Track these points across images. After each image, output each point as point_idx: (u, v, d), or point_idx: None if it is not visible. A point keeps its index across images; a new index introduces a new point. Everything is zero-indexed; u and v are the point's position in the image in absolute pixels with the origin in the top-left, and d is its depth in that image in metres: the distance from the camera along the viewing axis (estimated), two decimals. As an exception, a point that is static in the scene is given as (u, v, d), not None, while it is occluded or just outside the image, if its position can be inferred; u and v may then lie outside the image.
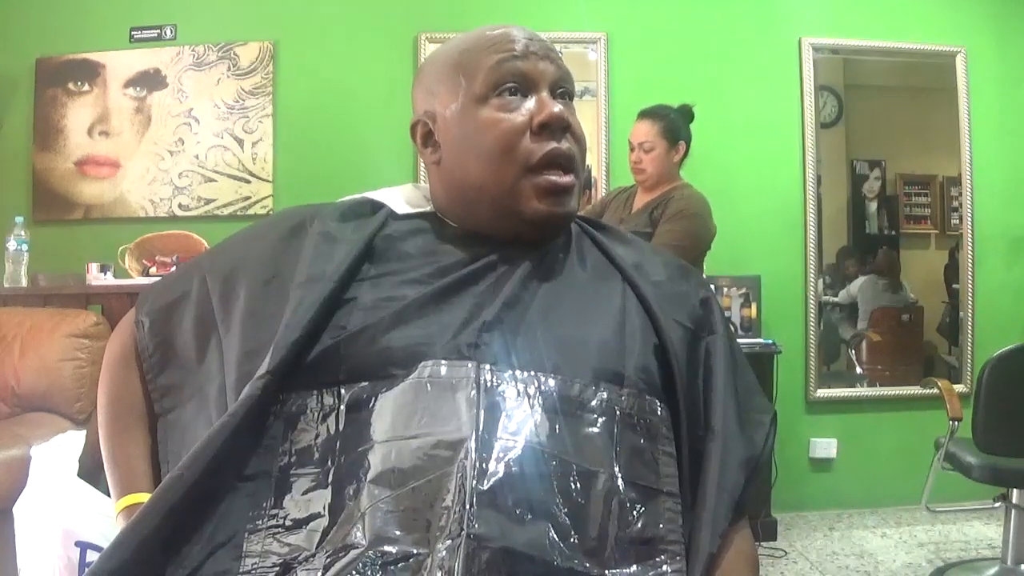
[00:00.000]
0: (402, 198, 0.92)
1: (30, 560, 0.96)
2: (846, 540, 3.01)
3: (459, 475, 0.65)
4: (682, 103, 2.51)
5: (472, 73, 0.83)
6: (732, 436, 0.80)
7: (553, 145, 0.81)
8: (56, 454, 0.99)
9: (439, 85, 0.86)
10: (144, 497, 0.77)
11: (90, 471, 0.94)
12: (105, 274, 2.69)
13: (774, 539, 2.97)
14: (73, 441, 1.01)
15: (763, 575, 2.64)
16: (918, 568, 2.72)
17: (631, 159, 2.50)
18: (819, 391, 3.36)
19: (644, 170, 2.46)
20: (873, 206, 3.52)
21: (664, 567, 0.70)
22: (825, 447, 3.34)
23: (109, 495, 0.84)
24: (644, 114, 2.50)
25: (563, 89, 0.85)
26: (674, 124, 2.45)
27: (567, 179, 0.82)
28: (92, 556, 0.90)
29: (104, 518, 0.89)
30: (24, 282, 2.63)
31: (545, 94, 0.82)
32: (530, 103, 0.82)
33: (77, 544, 0.90)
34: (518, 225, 0.83)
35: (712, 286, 2.40)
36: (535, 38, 0.85)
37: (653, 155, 2.43)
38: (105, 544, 0.75)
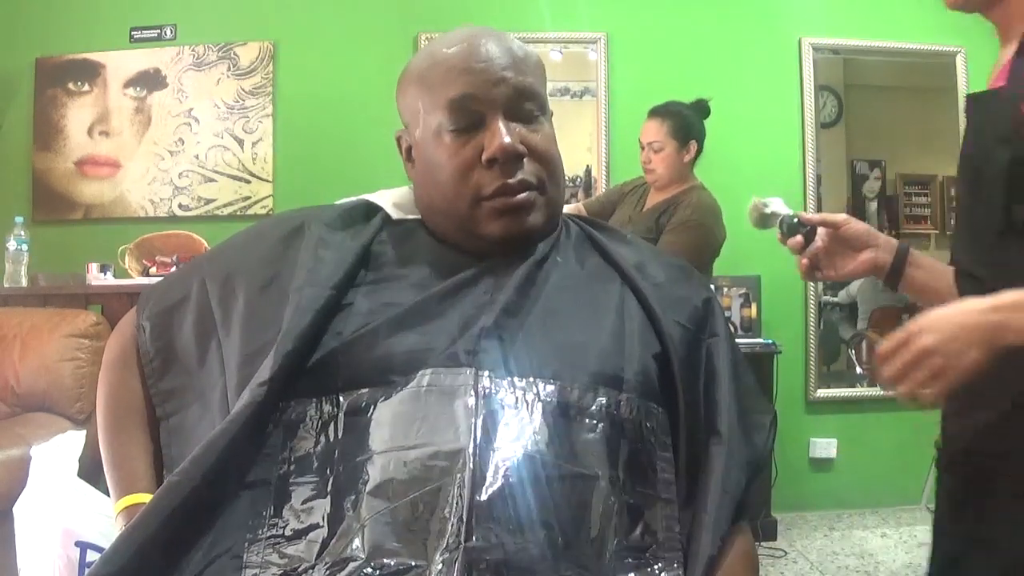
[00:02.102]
0: (399, 201, 0.92)
1: (30, 560, 0.95)
2: (846, 540, 3.01)
3: (457, 486, 0.65)
4: (697, 98, 2.44)
5: (428, 104, 0.83)
6: (735, 440, 0.80)
7: (501, 182, 0.81)
8: (56, 454, 0.99)
9: (407, 108, 0.87)
10: (144, 497, 0.77)
11: (90, 471, 0.94)
12: (105, 274, 2.69)
13: (774, 539, 2.97)
14: (73, 441, 1.01)
15: (763, 575, 2.64)
16: (918, 568, 2.71)
17: (641, 159, 2.44)
18: (819, 391, 3.36)
19: (654, 170, 2.39)
20: (873, 206, 3.52)
21: (662, 575, 0.71)
22: (825, 447, 3.34)
23: (109, 495, 0.84)
24: (654, 112, 2.43)
25: (526, 107, 0.82)
26: (685, 122, 2.37)
27: (520, 196, 0.82)
28: (92, 556, 0.89)
29: (104, 518, 0.89)
30: (24, 282, 2.63)
31: (498, 124, 0.80)
32: (483, 134, 0.81)
33: (77, 544, 0.90)
34: (483, 244, 0.84)
35: (712, 286, 2.40)
36: (492, 56, 0.81)
37: (662, 155, 2.36)
38: (105, 544, 0.75)
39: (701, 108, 2.43)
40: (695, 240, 2.27)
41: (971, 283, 0.94)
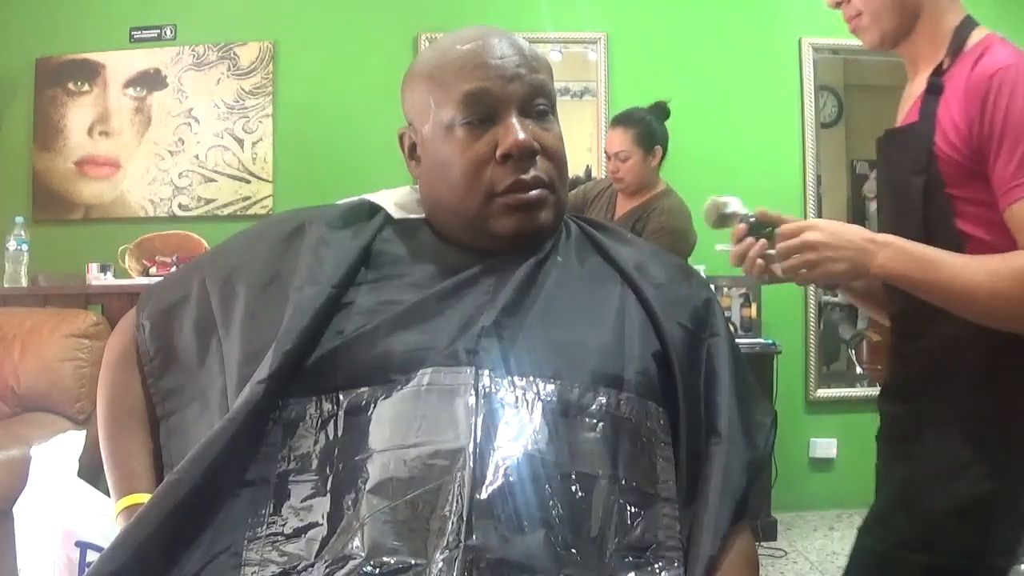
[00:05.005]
0: (400, 201, 0.92)
1: (30, 560, 0.95)
2: (846, 540, 3.00)
3: (457, 485, 0.65)
4: (655, 101, 2.48)
5: (440, 99, 0.82)
6: (736, 440, 0.80)
7: (516, 178, 0.81)
8: (56, 454, 0.99)
9: (414, 105, 0.87)
10: (144, 497, 0.77)
11: (90, 471, 0.94)
12: (105, 274, 2.69)
13: (774, 539, 2.97)
14: (73, 441, 1.01)
15: (763, 575, 2.64)
16: (918, 568, 2.71)
17: (608, 168, 2.48)
18: (819, 391, 3.36)
19: (622, 179, 2.43)
20: (873, 206, 3.51)
21: (662, 574, 0.70)
22: (825, 447, 3.34)
23: (109, 495, 0.84)
24: (617, 121, 2.46)
25: (539, 105, 0.83)
26: (648, 129, 2.40)
27: (534, 193, 0.82)
28: (92, 556, 0.89)
29: (104, 518, 0.89)
30: (24, 282, 2.63)
31: (512, 119, 0.80)
32: (497, 129, 0.81)
33: (77, 544, 0.90)
34: (492, 242, 0.84)
35: (712, 286, 2.40)
36: (506, 54, 0.82)
37: (630, 164, 2.39)
38: (105, 544, 0.75)
39: (661, 111, 2.46)
40: (673, 245, 2.30)
41: (894, 289, 1.03)
